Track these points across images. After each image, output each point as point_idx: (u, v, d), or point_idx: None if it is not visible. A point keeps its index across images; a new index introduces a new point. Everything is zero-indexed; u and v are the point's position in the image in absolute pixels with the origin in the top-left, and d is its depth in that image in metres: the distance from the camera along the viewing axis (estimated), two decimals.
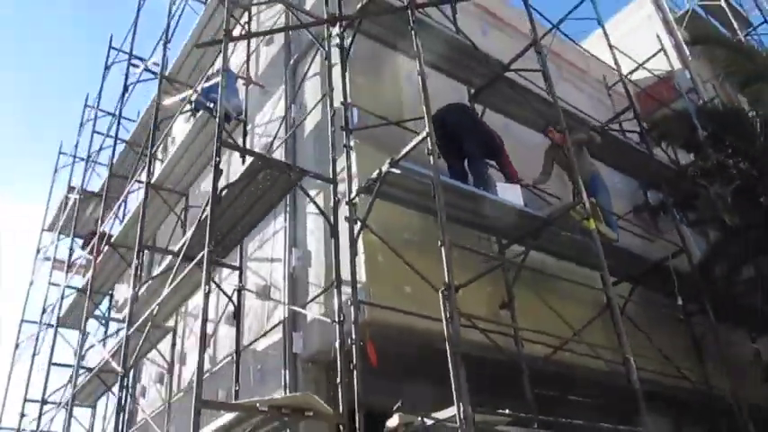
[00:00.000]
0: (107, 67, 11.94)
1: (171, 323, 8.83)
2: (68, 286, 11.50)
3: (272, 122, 8.71)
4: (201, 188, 9.70)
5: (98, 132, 11.89)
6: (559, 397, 6.49)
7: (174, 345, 8.61)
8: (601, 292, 7.85)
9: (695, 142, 9.87)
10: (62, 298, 10.93)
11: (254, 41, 9.81)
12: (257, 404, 4.44)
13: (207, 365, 8.04)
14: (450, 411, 4.20)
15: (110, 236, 12.58)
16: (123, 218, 13.17)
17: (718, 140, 9.60)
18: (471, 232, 7.13)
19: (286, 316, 6.71)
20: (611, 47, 9.96)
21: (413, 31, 5.92)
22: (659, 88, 13.64)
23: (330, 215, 6.12)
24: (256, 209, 6.39)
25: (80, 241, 12.86)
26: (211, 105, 7.99)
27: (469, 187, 6.01)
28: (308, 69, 7.57)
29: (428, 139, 5.24)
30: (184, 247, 6.49)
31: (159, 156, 12.24)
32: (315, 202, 5.90)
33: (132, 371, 10.13)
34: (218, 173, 5.43)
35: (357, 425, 4.76)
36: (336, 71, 6.83)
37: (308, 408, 4.58)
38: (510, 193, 6.34)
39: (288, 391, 6.32)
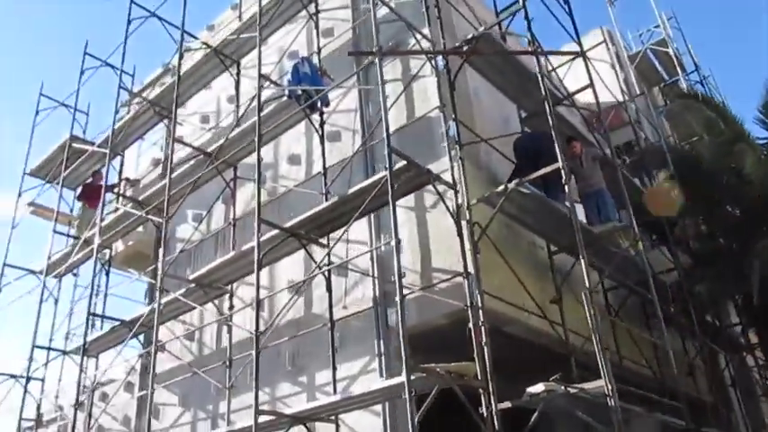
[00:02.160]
0: (129, 22, 12.05)
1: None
2: (73, 236, 11.65)
3: (338, 113, 9.62)
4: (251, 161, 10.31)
5: (124, 88, 11.99)
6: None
7: (231, 307, 9.36)
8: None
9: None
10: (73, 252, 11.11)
11: (308, 30, 10.60)
12: (437, 368, 5.65)
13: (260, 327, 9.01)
14: (597, 383, 5.67)
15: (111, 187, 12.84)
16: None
17: (683, 179, 11.75)
18: (524, 239, 8.68)
19: (377, 293, 7.86)
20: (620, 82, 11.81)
21: (540, 75, 7.21)
22: (607, 114, 15.91)
23: (419, 213, 7.42)
24: (373, 203, 7.42)
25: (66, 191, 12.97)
26: (300, 93, 8.81)
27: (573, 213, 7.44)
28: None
29: (561, 170, 6.60)
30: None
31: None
32: (445, 203, 7.04)
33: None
34: (392, 178, 6.39)
35: (491, 390, 6.12)
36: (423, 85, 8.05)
37: (467, 374, 5.86)
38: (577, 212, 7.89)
39: (383, 358, 7.53)
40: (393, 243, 6.07)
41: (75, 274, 13.37)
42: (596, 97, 8.96)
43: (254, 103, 10.12)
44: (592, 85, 9.10)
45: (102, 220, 12.02)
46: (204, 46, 10.65)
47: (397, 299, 5.81)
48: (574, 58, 9.26)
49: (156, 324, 8.53)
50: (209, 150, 9.79)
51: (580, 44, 9.26)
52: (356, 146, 9.10)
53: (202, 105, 12.40)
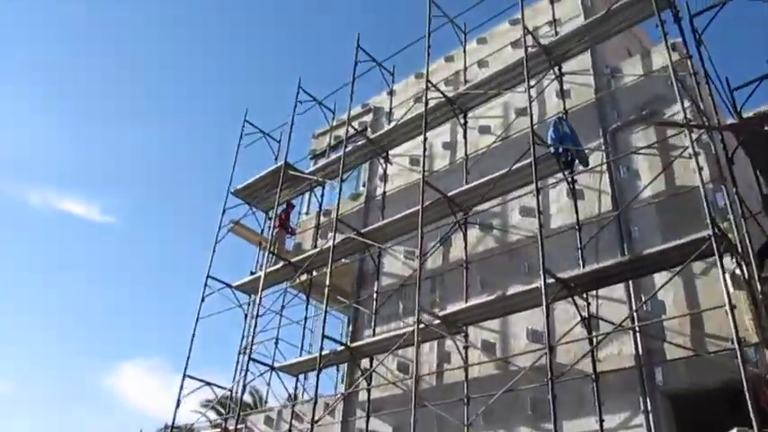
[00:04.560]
0: (356, 64, 13.15)
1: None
2: (276, 255, 12.61)
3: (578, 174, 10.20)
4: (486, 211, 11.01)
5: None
6: None
7: (466, 347, 9.94)
8: None
9: None
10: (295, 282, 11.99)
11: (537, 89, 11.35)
12: None
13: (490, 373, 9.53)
14: None
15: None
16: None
17: None
18: None
19: (641, 352, 8.29)
20: None
21: None
22: None
23: (685, 278, 7.94)
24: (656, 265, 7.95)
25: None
26: (561, 151, 9.47)
27: None
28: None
29: None
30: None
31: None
32: (744, 274, 7.49)
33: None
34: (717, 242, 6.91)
35: None
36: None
37: None
38: None
39: (649, 415, 7.91)
40: (728, 308, 6.52)
41: (248, 292, 14.29)
42: None
43: (475, 149, 10.99)
44: None
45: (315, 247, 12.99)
46: (441, 96, 11.49)
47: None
48: None
49: (417, 345, 9.14)
50: (449, 195, 10.48)
51: None
52: (603, 206, 9.69)
53: (410, 148, 13.24)
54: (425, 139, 11.06)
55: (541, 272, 8.13)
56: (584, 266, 8.88)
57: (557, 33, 11.51)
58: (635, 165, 9.71)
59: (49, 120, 51.34)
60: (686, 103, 9.43)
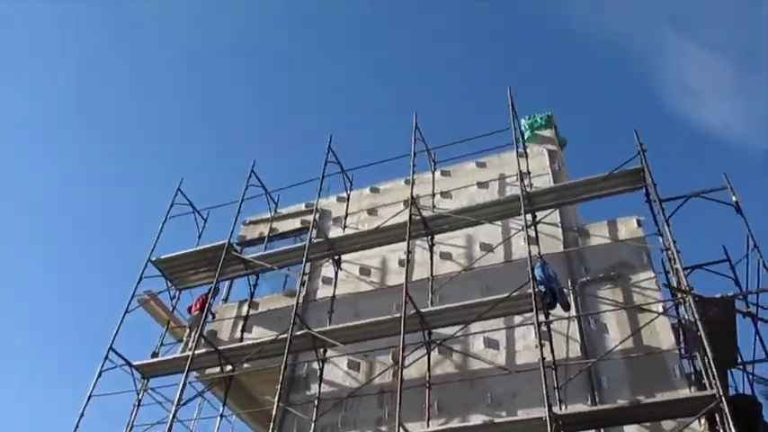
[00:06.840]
0: (326, 163, 13.28)
1: None
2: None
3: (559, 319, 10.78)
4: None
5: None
6: None
7: None
8: None
9: None
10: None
11: (505, 230, 12.20)
12: None
13: None
14: None
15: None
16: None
17: None
18: None
19: None
20: None
21: None
22: None
23: None
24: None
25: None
26: (546, 291, 10.09)
27: None
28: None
29: None
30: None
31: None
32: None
33: None
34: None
35: None
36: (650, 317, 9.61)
37: None
38: None
39: None
40: None
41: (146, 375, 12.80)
42: None
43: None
44: None
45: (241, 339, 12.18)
46: (419, 216, 11.89)
47: None
48: None
49: None
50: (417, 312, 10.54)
51: None
52: (570, 351, 10.30)
53: (361, 257, 13.28)
54: (408, 252, 11.21)
55: (546, 405, 8.33)
56: (560, 407, 9.21)
57: (531, 185, 12.53)
58: (603, 319, 10.55)
59: None
60: (652, 274, 10.82)
